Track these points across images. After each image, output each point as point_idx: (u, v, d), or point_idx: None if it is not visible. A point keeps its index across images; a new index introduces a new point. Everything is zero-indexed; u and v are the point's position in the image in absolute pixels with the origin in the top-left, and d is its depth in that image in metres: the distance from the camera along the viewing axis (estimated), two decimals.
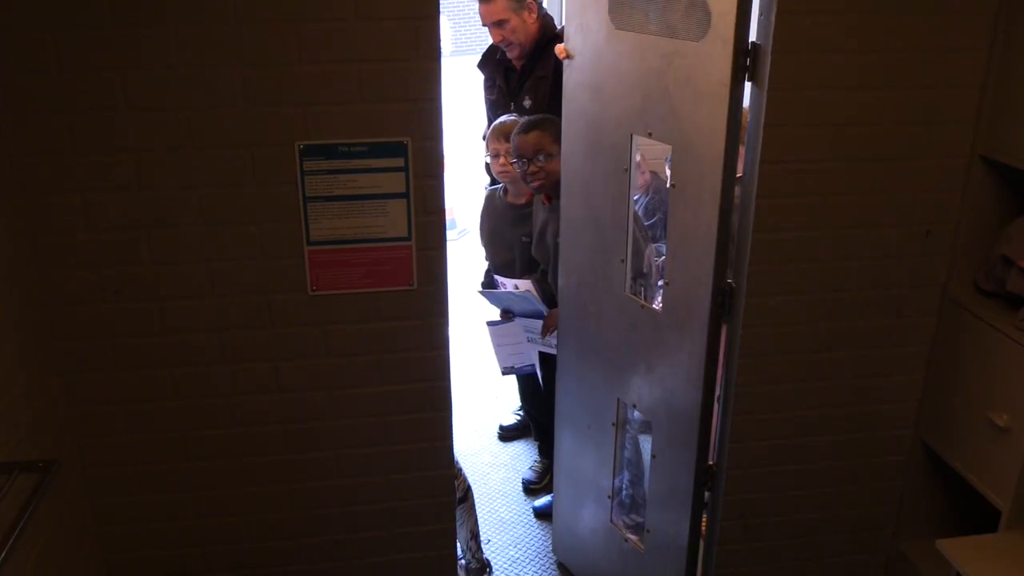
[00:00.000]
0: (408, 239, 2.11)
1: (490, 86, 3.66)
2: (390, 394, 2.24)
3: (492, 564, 3.17)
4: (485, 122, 3.72)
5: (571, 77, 2.69)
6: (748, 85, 2.14)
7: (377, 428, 2.27)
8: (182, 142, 1.91)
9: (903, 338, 2.43)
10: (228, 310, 2.08)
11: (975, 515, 2.47)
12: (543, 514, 3.50)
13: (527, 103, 3.48)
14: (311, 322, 2.14)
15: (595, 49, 2.54)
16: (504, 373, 3.50)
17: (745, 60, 2.10)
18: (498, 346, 3.43)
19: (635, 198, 2.66)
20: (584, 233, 2.71)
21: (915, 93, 2.16)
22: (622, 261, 2.56)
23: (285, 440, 2.24)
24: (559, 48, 2.84)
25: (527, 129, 2.94)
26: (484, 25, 3.43)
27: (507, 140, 3.11)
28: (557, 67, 3.48)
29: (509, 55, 3.49)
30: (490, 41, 3.53)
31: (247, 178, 1.97)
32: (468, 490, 2.87)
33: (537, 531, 3.43)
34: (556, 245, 2.96)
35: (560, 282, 2.87)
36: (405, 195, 2.07)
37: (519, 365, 3.45)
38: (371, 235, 2.09)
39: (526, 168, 2.96)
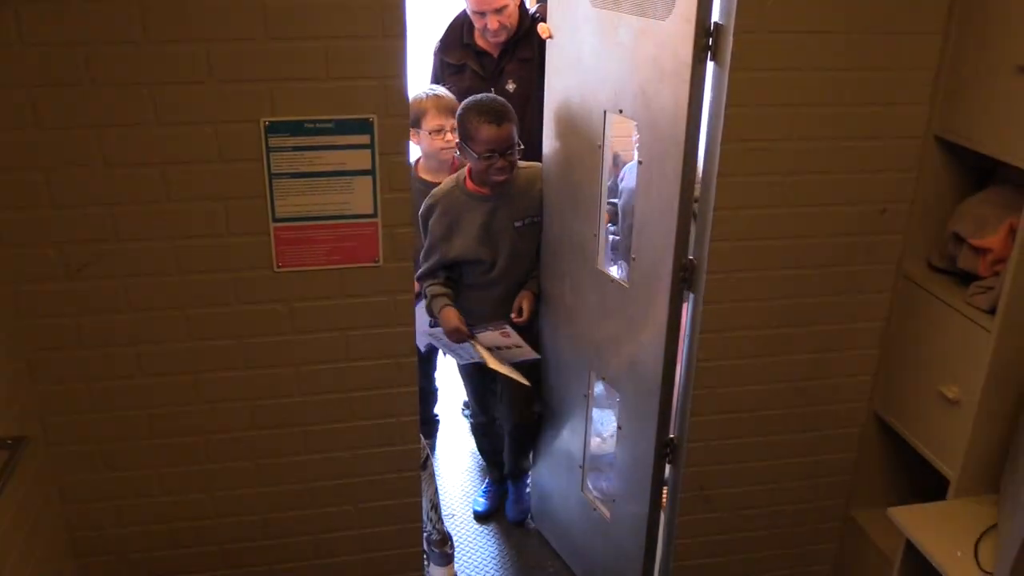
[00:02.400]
0: (374, 216, 2.12)
1: (456, 72, 3.50)
2: (356, 370, 2.25)
3: (452, 536, 3.21)
4: None
5: (552, 55, 2.74)
6: (710, 64, 2.17)
7: (343, 404, 2.28)
8: (146, 118, 1.90)
9: (859, 314, 2.50)
10: (193, 287, 2.08)
11: (925, 484, 2.55)
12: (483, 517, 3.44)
13: (511, 87, 3.41)
14: (277, 299, 2.14)
15: (574, 27, 2.57)
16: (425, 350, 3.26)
17: (707, 40, 2.13)
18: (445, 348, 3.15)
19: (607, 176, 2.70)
20: (564, 209, 2.76)
21: (872, 75, 2.21)
22: (595, 236, 2.61)
23: (251, 416, 2.25)
24: (543, 27, 2.85)
25: (500, 120, 2.75)
26: (477, 12, 3.33)
27: (452, 115, 3.00)
28: (541, 49, 3.48)
29: (495, 40, 3.41)
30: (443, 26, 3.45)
31: (212, 154, 1.97)
32: (428, 458, 2.89)
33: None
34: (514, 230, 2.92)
35: (543, 258, 2.94)
36: (371, 172, 2.08)
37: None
38: (337, 212, 2.10)
39: (495, 162, 2.77)
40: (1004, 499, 2.15)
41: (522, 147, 2.84)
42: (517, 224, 2.89)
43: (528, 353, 2.95)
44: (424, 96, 3.14)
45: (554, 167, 2.82)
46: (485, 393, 3.29)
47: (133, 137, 1.91)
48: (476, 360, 2.97)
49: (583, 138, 2.60)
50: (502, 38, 3.40)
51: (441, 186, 2.93)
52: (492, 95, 2.89)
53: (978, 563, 2.09)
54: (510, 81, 3.44)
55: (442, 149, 3.13)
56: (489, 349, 2.92)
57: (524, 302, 2.96)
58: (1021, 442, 2.06)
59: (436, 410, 3.93)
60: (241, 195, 2.02)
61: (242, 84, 1.93)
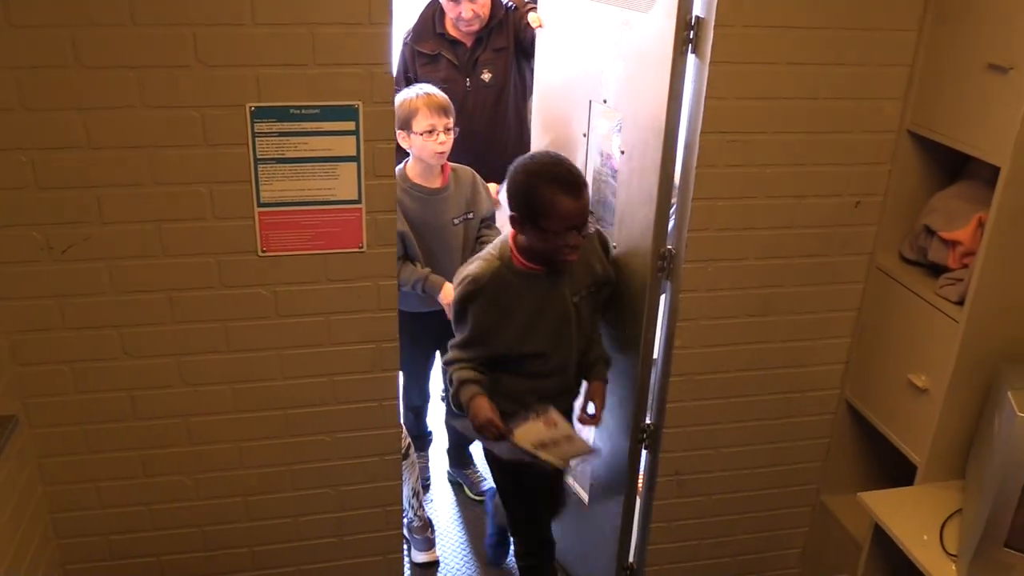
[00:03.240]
0: (358, 202, 2.14)
1: (430, 62, 3.47)
2: (339, 354, 2.27)
3: (432, 521, 3.25)
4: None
5: (542, 45, 2.77)
6: (691, 57, 2.21)
7: (326, 387, 2.31)
8: (133, 101, 1.90)
9: (832, 304, 2.55)
10: (178, 270, 2.09)
11: (894, 470, 2.62)
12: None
13: (486, 77, 3.42)
14: (261, 283, 2.16)
15: (563, 17, 2.60)
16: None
17: (688, 33, 2.16)
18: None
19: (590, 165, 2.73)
20: None
21: (848, 70, 2.25)
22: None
23: (234, 399, 2.26)
24: (535, 16, 2.86)
25: (579, 191, 2.23)
26: (451, 0, 3.34)
27: (445, 114, 2.87)
28: (516, 38, 3.49)
29: (467, 30, 3.41)
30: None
31: (198, 139, 1.98)
32: (409, 446, 2.92)
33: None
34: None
35: None
36: (356, 159, 2.10)
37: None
38: (322, 197, 2.12)
39: (571, 240, 2.25)
40: (969, 485, 2.22)
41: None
42: (575, 299, 2.40)
43: (582, 448, 2.42)
44: (414, 95, 2.90)
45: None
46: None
47: (119, 120, 1.92)
48: (520, 457, 2.34)
49: (570, 127, 2.63)
50: (475, 27, 3.40)
51: (479, 267, 2.33)
52: (557, 157, 2.32)
53: (943, 546, 2.15)
54: (485, 71, 3.44)
55: (436, 152, 2.87)
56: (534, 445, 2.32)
57: (595, 397, 2.48)
58: (986, 429, 2.12)
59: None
60: (226, 179, 2.03)
61: (228, 69, 1.94)
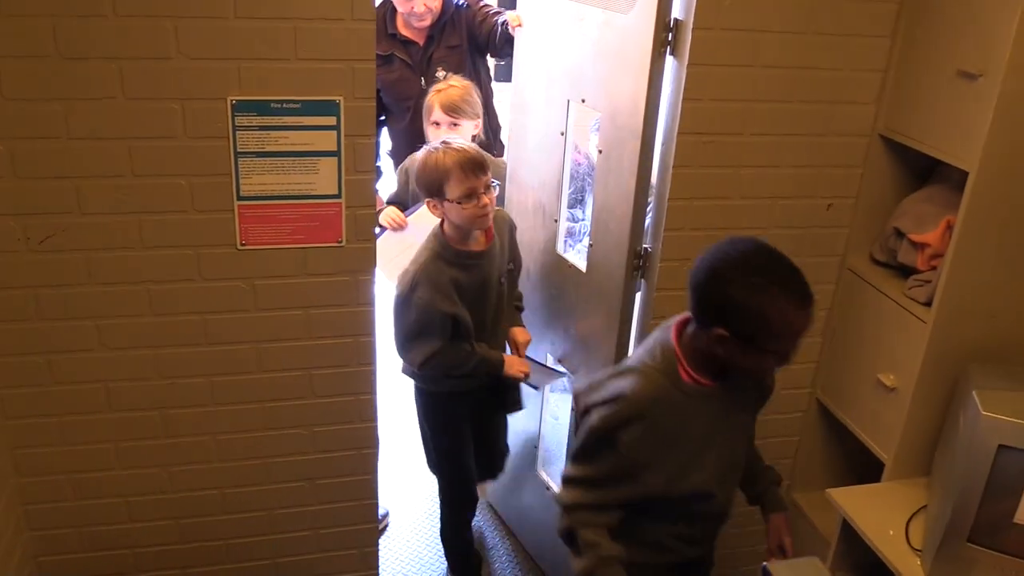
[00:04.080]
0: (338, 197, 2.15)
1: (384, 63, 3.43)
2: (317, 348, 2.28)
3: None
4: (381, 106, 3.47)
5: (521, 44, 2.79)
6: (669, 59, 2.24)
7: (303, 381, 2.31)
8: (113, 92, 1.90)
9: None
10: (156, 262, 2.09)
11: (862, 467, 2.66)
12: None
13: (440, 75, 3.41)
14: (239, 276, 2.16)
15: (542, 16, 2.62)
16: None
17: (667, 35, 2.19)
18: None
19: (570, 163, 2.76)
20: (528, 194, 2.82)
21: (823, 74, 2.30)
22: (555, 221, 2.68)
23: (211, 392, 2.27)
24: (514, 16, 2.89)
25: (811, 299, 1.77)
26: None
27: (484, 172, 2.42)
28: (470, 34, 3.51)
29: (419, 25, 3.43)
30: None
31: (178, 131, 1.98)
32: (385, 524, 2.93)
33: None
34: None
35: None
36: (336, 153, 2.11)
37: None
38: (301, 192, 2.13)
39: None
40: (934, 481, 2.27)
41: None
42: (745, 417, 2.00)
43: None
44: (441, 153, 2.42)
45: (524, 153, 2.86)
46: None
47: (99, 111, 1.92)
48: None
49: (548, 126, 2.66)
50: (427, 22, 3.42)
51: (637, 383, 1.79)
52: (772, 253, 1.81)
53: (909, 542, 2.20)
54: (440, 69, 3.44)
55: (479, 217, 2.42)
56: None
57: (783, 533, 2.08)
58: (951, 428, 2.17)
59: None
60: (206, 172, 2.04)
61: (210, 62, 1.94)
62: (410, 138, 3.48)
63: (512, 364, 2.65)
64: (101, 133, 1.94)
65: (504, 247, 2.60)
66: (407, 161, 3.05)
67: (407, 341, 2.52)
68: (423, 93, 3.40)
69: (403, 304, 2.47)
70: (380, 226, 3.01)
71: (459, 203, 2.38)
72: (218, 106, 1.99)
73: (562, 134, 2.58)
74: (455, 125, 3.01)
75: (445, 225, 2.48)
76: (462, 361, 2.54)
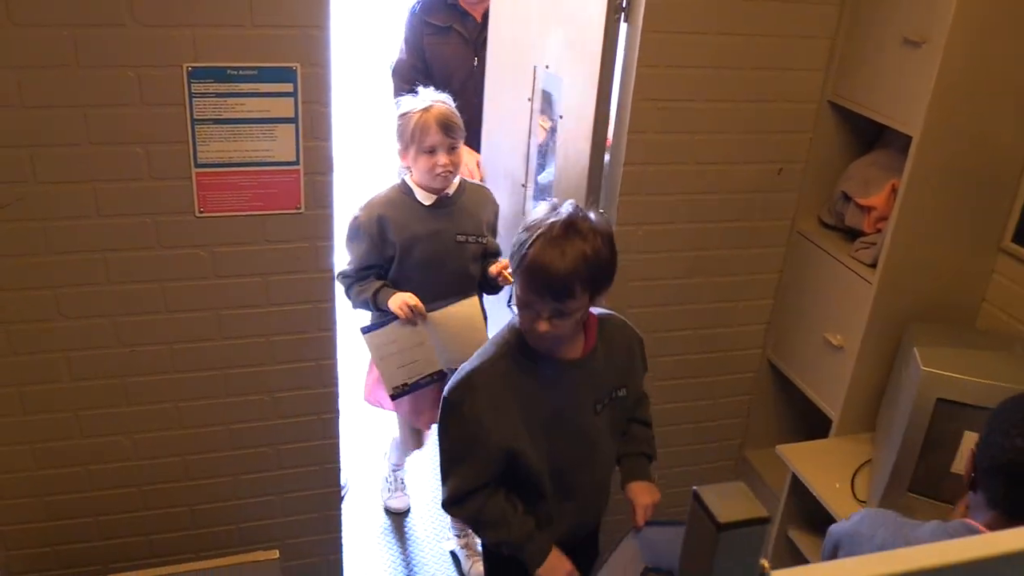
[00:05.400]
0: (296, 163, 2.16)
1: (440, 33, 3.32)
2: (277, 314, 2.30)
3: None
4: (402, 73, 3.35)
5: (496, 10, 2.80)
6: (624, 25, 2.27)
7: (264, 347, 2.33)
8: (67, 60, 1.88)
9: (755, 267, 2.67)
10: (113, 231, 2.08)
11: (811, 424, 2.76)
12: None
13: None
14: (198, 243, 2.16)
15: None
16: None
17: (621, 1, 2.22)
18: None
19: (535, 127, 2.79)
20: (499, 160, 2.84)
21: (773, 41, 2.35)
22: (523, 186, 2.70)
23: (172, 359, 2.27)
24: None
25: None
26: None
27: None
28: None
29: (479, 4, 3.25)
30: None
31: (134, 98, 1.97)
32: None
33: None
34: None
35: None
36: (294, 120, 2.11)
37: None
38: (259, 159, 2.13)
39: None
40: (878, 436, 2.37)
41: None
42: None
43: None
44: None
45: (496, 118, 2.88)
46: None
47: (53, 79, 1.90)
48: None
49: (516, 91, 2.68)
50: (487, 2, 3.21)
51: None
52: None
53: (854, 493, 2.30)
54: None
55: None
56: None
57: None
58: (894, 384, 2.26)
59: None
60: (163, 140, 2.03)
61: (164, 29, 1.93)
62: None
63: (554, 571, 1.88)
64: (55, 101, 1.92)
65: (617, 362, 1.93)
66: (369, 212, 2.65)
67: (444, 463, 1.89)
68: (473, 74, 3.28)
69: (449, 414, 1.84)
70: (380, 308, 2.63)
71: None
72: (174, 73, 1.98)
73: (529, 99, 2.61)
74: (453, 149, 2.57)
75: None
76: (499, 522, 1.88)
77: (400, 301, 2.58)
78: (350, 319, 2.66)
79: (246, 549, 2.50)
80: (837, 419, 2.49)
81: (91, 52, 1.90)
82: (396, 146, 2.62)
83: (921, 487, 2.10)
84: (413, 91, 3.22)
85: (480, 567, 2.87)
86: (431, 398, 2.76)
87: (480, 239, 2.68)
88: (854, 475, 2.35)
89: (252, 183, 2.15)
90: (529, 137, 2.67)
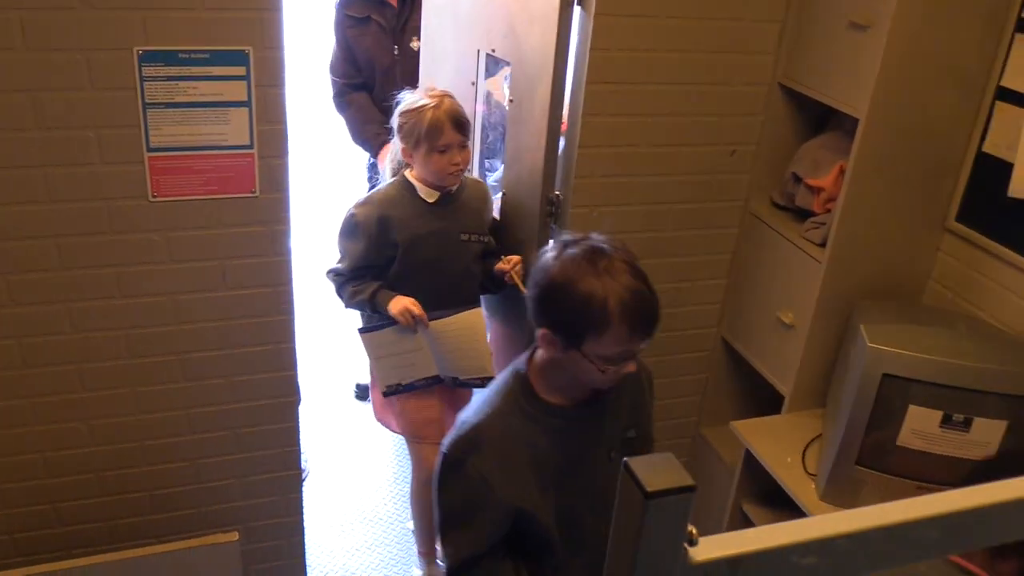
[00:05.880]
0: (250, 147, 2.15)
1: (359, 24, 3.32)
2: (234, 299, 2.30)
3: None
4: (335, 69, 3.38)
5: None
6: (577, 9, 2.29)
7: (221, 332, 2.33)
8: (14, 43, 1.86)
9: (709, 247, 2.71)
10: (65, 216, 2.07)
11: (765, 401, 2.82)
12: None
13: (415, 45, 3.26)
14: (152, 228, 2.15)
15: None
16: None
17: None
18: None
19: (480, 111, 2.79)
20: None
21: (725, 24, 2.38)
22: (469, 171, 2.71)
23: (127, 345, 2.26)
24: None
25: None
26: None
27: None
28: None
29: None
30: None
31: (84, 82, 1.95)
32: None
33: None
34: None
35: None
36: (247, 104, 2.11)
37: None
38: (213, 143, 2.12)
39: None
40: (828, 411, 2.43)
41: None
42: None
43: None
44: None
45: None
46: None
47: (0, 63, 1.88)
48: None
49: (458, 76, 2.68)
50: None
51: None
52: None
53: (805, 467, 2.36)
54: (415, 39, 3.25)
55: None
56: None
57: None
58: (843, 360, 2.32)
59: None
60: (114, 124, 2.01)
61: (113, 12, 1.91)
62: (378, 108, 3.36)
63: None
64: (3, 85, 1.90)
65: (626, 398, 1.79)
66: (368, 211, 2.56)
67: (443, 524, 1.71)
68: (395, 63, 3.28)
69: (450, 471, 1.66)
70: (377, 310, 2.58)
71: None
72: (124, 57, 1.96)
73: (473, 83, 2.62)
74: (464, 147, 2.48)
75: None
76: None
77: (401, 307, 2.51)
78: (308, 303, 2.66)
79: (207, 532, 2.50)
80: (789, 395, 2.55)
81: (39, 35, 1.88)
82: (399, 144, 2.51)
83: (869, 460, 2.16)
84: (351, 86, 3.24)
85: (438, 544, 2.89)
86: (438, 406, 2.70)
87: (483, 237, 2.62)
88: (805, 449, 2.41)
89: (206, 167, 2.14)
90: (474, 120, 2.67)
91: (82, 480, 2.38)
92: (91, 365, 2.25)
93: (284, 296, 2.35)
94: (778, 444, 2.44)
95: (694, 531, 0.65)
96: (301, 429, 2.56)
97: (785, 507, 2.39)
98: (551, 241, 1.68)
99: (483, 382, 2.60)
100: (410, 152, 2.48)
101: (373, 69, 3.38)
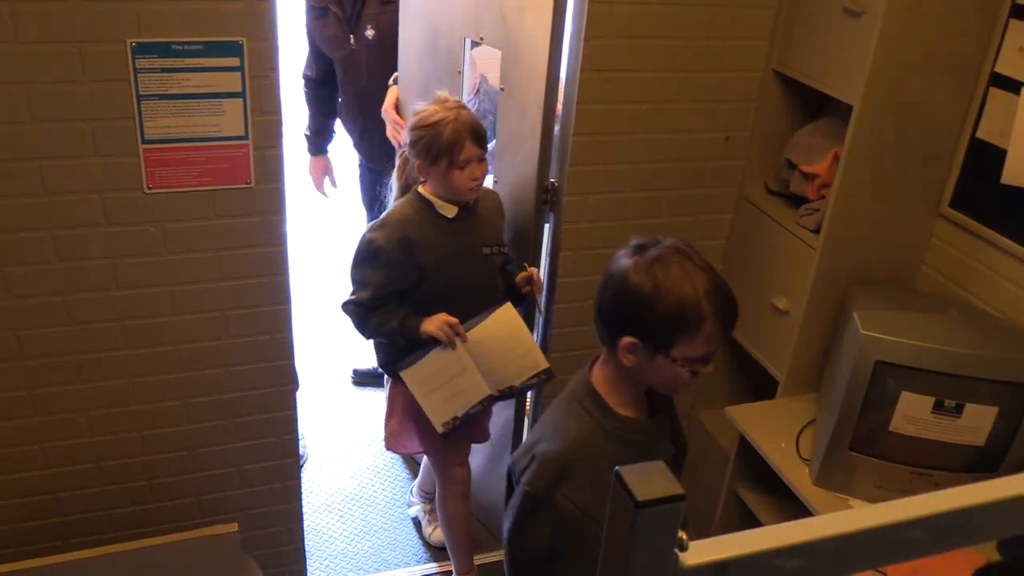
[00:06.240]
0: (245, 138, 2.15)
1: (320, 16, 3.29)
2: (230, 289, 2.30)
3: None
4: (309, 60, 3.40)
5: None
6: None
7: (218, 322, 2.34)
8: (7, 36, 1.86)
9: (704, 233, 2.72)
10: (61, 208, 2.07)
11: (759, 386, 2.84)
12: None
13: (369, 34, 3.23)
14: (148, 220, 2.16)
15: None
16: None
17: None
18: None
19: (467, 99, 2.78)
20: None
21: (719, 11, 2.38)
22: None
23: (124, 336, 2.27)
24: None
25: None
26: None
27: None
28: None
29: None
30: None
31: (77, 74, 1.95)
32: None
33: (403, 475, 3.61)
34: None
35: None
36: (241, 95, 2.11)
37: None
38: (207, 134, 2.12)
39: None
40: (822, 397, 2.45)
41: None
42: None
43: None
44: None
45: (413, 93, 2.85)
46: None
47: None
48: None
49: (442, 64, 2.66)
50: None
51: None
52: None
53: (799, 452, 2.38)
54: (368, 27, 3.23)
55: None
56: None
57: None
58: (837, 346, 2.34)
59: None
60: (108, 116, 2.01)
61: (106, 3, 1.91)
62: (343, 99, 3.42)
63: None
64: None
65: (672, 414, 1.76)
66: (388, 234, 2.38)
67: (527, 570, 1.61)
68: (353, 53, 3.26)
69: (536, 509, 1.53)
70: (408, 338, 2.41)
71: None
72: (118, 49, 1.96)
73: (459, 72, 2.60)
74: (482, 161, 2.35)
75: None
76: None
77: (439, 322, 2.36)
78: (304, 289, 2.66)
79: (206, 521, 2.53)
80: (783, 381, 2.56)
81: (32, 28, 1.87)
82: (413, 160, 2.36)
83: (862, 446, 2.18)
84: (321, 82, 3.30)
85: (440, 533, 2.92)
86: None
87: (502, 248, 2.50)
88: (799, 434, 2.43)
89: (201, 158, 2.14)
90: None
91: (81, 470, 2.40)
92: (89, 356, 2.26)
93: (281, 285, 2.35)
94: (772, 429, 2.46)
95: (684, 536, 0.66)
96: (299, 415, 2.58)
97: (779, 492, 2.41)
98: (623, 248, 1.61)
99: (541, 378, 2.48)
100: (426, 169, 2.33)
101: (332, 61, 3.38)
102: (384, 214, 2.44)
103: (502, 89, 2.49)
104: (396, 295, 2.39)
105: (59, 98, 1.96)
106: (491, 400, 2.47)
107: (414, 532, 3.17)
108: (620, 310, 1.53)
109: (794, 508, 2.34)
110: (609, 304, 1.55)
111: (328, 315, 4.15)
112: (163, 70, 2.02)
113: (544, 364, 2.47)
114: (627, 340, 1.51)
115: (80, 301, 2.19)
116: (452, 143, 2.26)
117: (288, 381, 2.51)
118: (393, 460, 3.48)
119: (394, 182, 2.53)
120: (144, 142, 2.08)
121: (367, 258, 2.38)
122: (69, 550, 2.20)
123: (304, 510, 2.76)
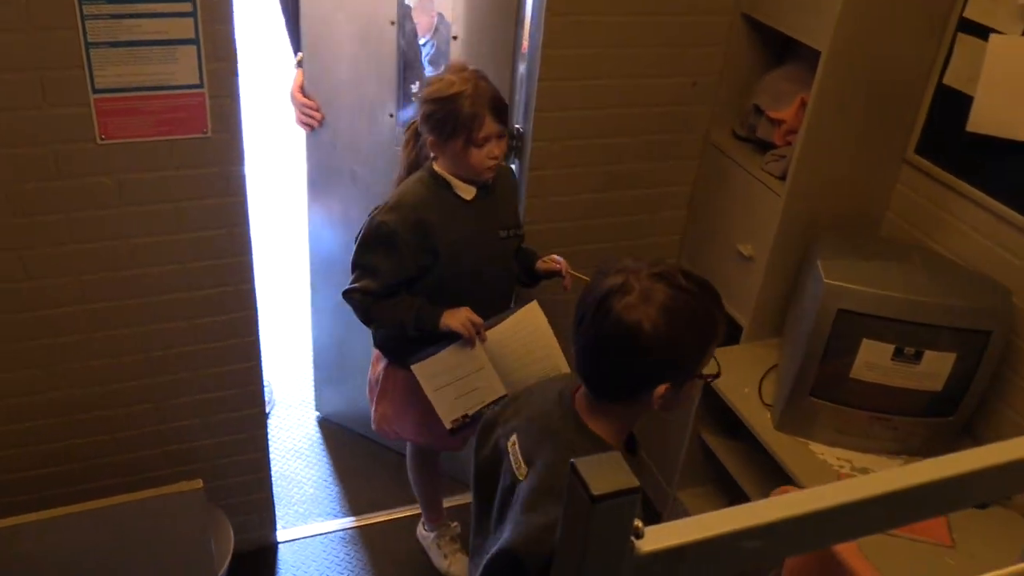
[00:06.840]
0: (200, 86, 2.09)
1: None
2: (190, 241, 2.26)
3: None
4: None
5: None
6: None
7: (179, 275, 2.30)
8: None
9: (670, 179, 2.71)
10: (11, 161, 2.00)
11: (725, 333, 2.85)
12: None
13: None
14: (102, 172, 2.10)
15: None
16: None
17: None
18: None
19: (421, 42, 2.67)
20: (346, 92, 2.64)
21: None
22: (391, 116, 2.60)
23: (83, 291, 2.23)
24: None
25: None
26: None
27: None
28: None
29: None
30: None
31: (21, 23, 1.87)
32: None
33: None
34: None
35: (309, 144, 2.79)
36: (195, 41, 2.04)
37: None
38: (161, 82, 2.06)
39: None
40: (784, 343, 2.47)
41: None
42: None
43: None
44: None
45: (320, 51, 2.62)
46: None
47: None
48: None
49: (375, 15, 2.47)
50: None
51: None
52: None
53: (761, 397, 2.41)
54: None
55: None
56: None
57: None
58: (800, 293, 2.35)
59: None
60: (57, 66, 1.94)
61: None
62: None
63: None
64: None
65: None
66: (403, 216, 2.18)
67: None
68: None
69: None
70: (422, 330, 2.22)
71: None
72: None
73: (393, 23, 2.47)
74: (502, 138, 2.17)
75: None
76: None
77: (463, 319, 2.18)
78: (266, 242, 2.62)
79: (173, 472, 2.52)
80: (747, 326, 2.59)
81: None
82: (426, 135, 2.18)
83: (823, 391, 2.22)
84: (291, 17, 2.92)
85: (458, 565, 2.78)
86: None
87: (518, 231, 2.35)
88: (761, 380, 2.46)
89: (155, 107, 2.08)
90: (396, 63, 2.46)
91: (48, 424, 2.38)
92: (47, 312, 2.22)
93: (241, 237, 2.32)
94: (735, 374, 2.48)
95: (639, 524, 0.66)
96: (263, 362, 2.56)
97: (742, 437, 2.45)
98: None
99: None
100: (440, 145, 2.15)
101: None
102: (395, 194, 2.24)
103: (454, 38, 2.40)
104: (406, 282, 2.23)
105: (4, 48, 1.88)
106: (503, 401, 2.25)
107: (384, 475, 3.19)
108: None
109: (757, 452, 2.38)
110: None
111: (288, 253, 4.10)
112: (111, 16, 1.94)
113: (565, 369, 2.29)
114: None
115: (36, 257, 2.14)
116: (471, 118, 2.07)
117: (251, 332, 2.48)
118: (359, 394, 3.48)
119: (401, 157, 2.35)
120: (95, 91, 2.01)
121: (377, 242, 2.17)
122: (31, 507, 2.19)
123: (272, 457, 2.77)
